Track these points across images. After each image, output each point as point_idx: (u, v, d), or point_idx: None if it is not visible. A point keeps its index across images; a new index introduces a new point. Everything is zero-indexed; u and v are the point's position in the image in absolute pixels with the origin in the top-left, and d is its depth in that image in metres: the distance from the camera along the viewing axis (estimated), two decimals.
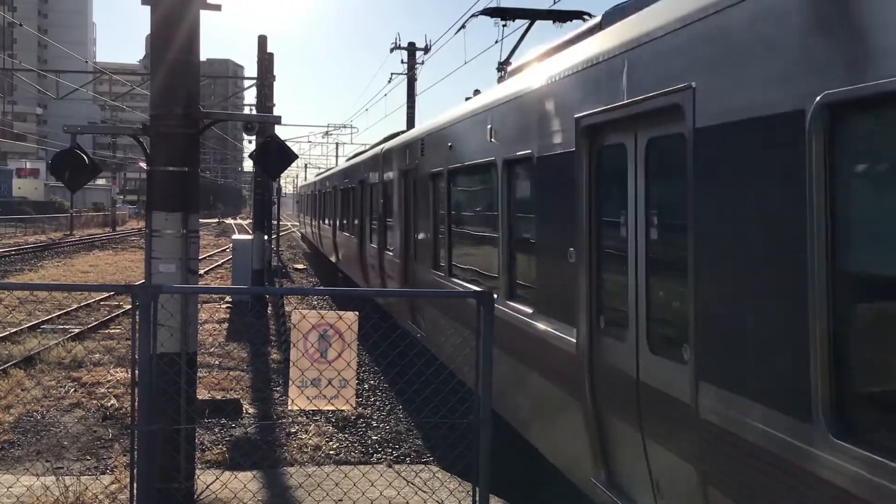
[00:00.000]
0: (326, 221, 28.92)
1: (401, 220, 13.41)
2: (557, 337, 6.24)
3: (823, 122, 3.30)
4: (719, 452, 4.02)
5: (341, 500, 7.36)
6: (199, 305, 7.61)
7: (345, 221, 22.76)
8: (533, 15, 12.07)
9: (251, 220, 28.26)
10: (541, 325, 6.64)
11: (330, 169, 36.47)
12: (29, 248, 43.60)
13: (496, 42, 18.99)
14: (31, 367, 13.61)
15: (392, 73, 34.90)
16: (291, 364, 5.86)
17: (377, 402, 12.41)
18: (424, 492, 7.72)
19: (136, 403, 5.90)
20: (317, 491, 7.49)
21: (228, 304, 21.89)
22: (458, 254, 9.88)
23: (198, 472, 7.53)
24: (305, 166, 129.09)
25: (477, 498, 5.85)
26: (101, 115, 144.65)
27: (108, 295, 22.60)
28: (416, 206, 12.22)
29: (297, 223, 70.17)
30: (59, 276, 30.01)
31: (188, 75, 6.96)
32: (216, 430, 10.39)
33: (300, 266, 37.71)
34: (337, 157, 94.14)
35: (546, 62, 7.12)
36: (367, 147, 23.48)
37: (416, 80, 33.94)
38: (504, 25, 12.64)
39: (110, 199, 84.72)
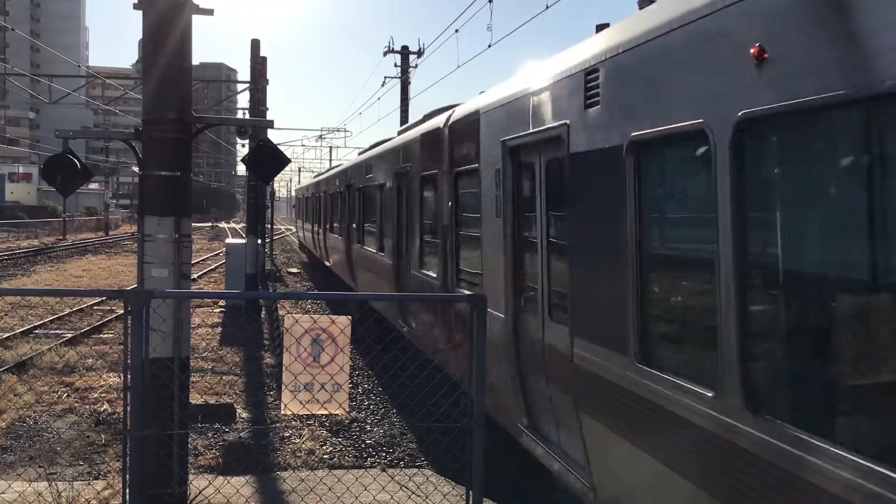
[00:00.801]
0: (336, 230, 23.02)
1: (503, 241, 7.54)
2: None
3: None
4: None
5: None
6: (192, 310, 7.59)
7: (366, 229, 16.94)
8: None
9: (244, 224, 28.18)
10: None
11: (339, 165, 27.65)
12: (21, 252, 43.45)
13: (489, 47, 19.03)
14: (23, 372, 13.56)
15: (385, 77, 34.93)
16: (284, 368, 5.86)
17: (371, 406, 12.40)
18: (418, 495, 7.71)
19: (129, 408, 5.90)
20: (310, 495, 7.48)
21: (222, 309, 21.86)
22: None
23: (191, 477, 7.51)
24: (299, 170, 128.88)
25: (470, 501, 5.86)
26: (93, 120, 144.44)
27: (100, 300, 22.54)
28: (563, 211, 6.28)
29: (294, 228, 58.65)
30: (51, 280, 29.93)
31: (180, 80, 6.96)
32: (209, 434, 10.37)
33: (294, 270, 37.66)
34: (331, 160, 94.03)
35: None
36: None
37: (409, 83, 33.96)
38: None
39: (103, 203, 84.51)
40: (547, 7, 14.27)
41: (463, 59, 21.35)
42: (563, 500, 6.48)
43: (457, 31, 21.51)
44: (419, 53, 33.25)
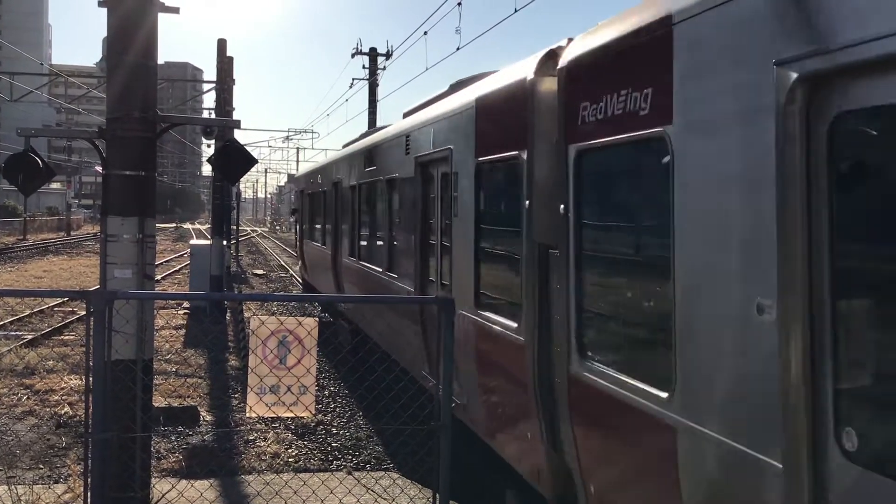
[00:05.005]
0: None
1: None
2: None
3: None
4: None
5: None
6: (156, 311, 7.51)
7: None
8: None
9: (210, 225, 27.91)
10: None
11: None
12: None
13: (458, 50, 19.06)
14: None
15: (353, 79, 34.81)
16: (250, 371, 5.81)
17: (337, 409, 12.34)
18: (384, 499, 7.68)
19: (91, 411, 5.81)
20: (275, 499, 7.42)
21: (186, 310, 21.64)
22: None
23: (153, 480, 7.42)
24: (266, 171, 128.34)
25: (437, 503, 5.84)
26: (56, 118, 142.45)
27: (62, 301, 22.22)
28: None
29: (297, 250, 26.04)
30: (11, 281, 29.43)
31: (146, 78, 6.88)
32: (172, 437, 10.25)
33: (259, 271, 37.41)
34: (298, 161, 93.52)
35: None
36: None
37: (377, 85, 33.89)
38: None
39: (65, 203, 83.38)
40: (515, 10, 14.33)
41: (432, 62, 21.38)
42: (532, 501, 6.49)
43: (425, 33, 21.51)
44: (387, 55, 33.20)
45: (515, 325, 6.11)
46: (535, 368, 5.79)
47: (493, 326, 6.62)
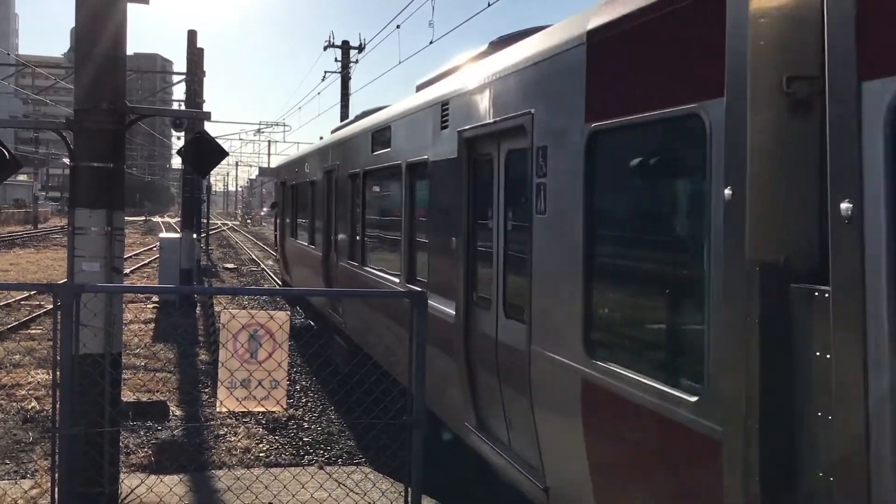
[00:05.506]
0: None
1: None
2: None
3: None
4: None
5: (271, 503, 7.26)
6: (125, 305, 7.43)
7: None
8: None
9: (180, 219, 27.65)
10: None
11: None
12: None
13: (430, 43, 19.04)
14: None
15: (326, 72, 34.70)
16: (220, 365, 5.77)
17: (309, 403, 12.30)
18: (356, 493, 7.66)
19: (58, 405, 5.74)
20: (246, 494, 7.37)
21: (155, 304, 21.45)
22: None
23: (122, 475, 7.35)
24: (237, 164, 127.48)
25: (409, 498, 5.85)
26: (23, 109, 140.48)
27: (28, 294, 21.93)
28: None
29: (277, 249, 23.82)
30: None
31: (114, 69, 6.80)
32: (142, 432, 10.16)
33: (230, 265, 37.16)
34: (269, 155, 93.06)
35: None
36: None
37: (350, 78, 33.79)
38: None
39: (32, 195, 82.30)
40: (489, 5, 14.36)
41: (404, 55, 21.38)
42: (503, 496, 6.51)
43: (398, 26, 21.51)
44: (360, 48, 33.11)
45: (693, 398, 3.74)
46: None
47: (629, 390, 4.25)
